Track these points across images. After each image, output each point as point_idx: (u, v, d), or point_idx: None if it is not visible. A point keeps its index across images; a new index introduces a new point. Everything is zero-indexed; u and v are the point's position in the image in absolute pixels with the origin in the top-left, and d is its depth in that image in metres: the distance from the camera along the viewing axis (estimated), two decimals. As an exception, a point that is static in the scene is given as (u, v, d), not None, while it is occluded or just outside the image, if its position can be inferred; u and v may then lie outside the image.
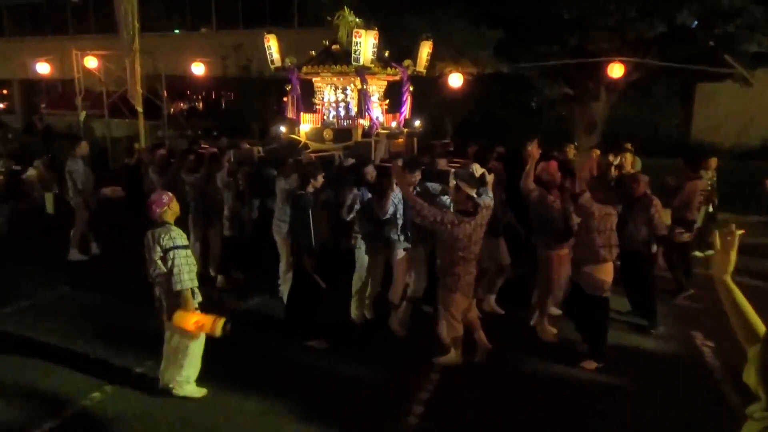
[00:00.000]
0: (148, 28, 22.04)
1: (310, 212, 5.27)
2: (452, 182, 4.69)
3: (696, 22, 9.64)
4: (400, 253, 5.80)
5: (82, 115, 15.59)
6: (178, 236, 4.34)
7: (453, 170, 4.82)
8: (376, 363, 5.21)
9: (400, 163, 5.83)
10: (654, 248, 5.87)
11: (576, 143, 9.09)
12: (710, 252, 8.23)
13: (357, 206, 5.70)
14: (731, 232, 2.16)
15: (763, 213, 11.05)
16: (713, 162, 8.85)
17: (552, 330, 5.77)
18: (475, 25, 10.25)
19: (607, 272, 5.06)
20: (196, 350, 4.52)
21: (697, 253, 8.21)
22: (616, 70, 9.80)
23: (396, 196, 5.65)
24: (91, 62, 13.88)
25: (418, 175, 5.58)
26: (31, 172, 11.69)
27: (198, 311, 4.40)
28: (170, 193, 4.49)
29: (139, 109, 12.47)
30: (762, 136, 17.37)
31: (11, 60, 23.36)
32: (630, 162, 10.15)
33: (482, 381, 4.90)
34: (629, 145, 10.00)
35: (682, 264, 6.96)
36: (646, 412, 4.47)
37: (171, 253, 4.24)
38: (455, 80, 11.03)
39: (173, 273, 4.25)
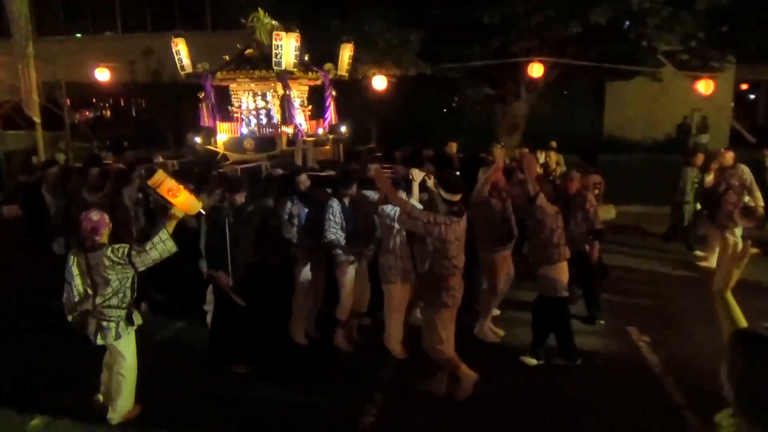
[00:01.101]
0: (47, 33, 20.59)
1: (227, 227, 4.85)
2: (431, 186, 4.40)
3: (627, 22, 9.87)
4: (347, 268, 5.41)
5: (-30, 127, 14.16)
6: (120, 244, 4.02)
7: (440, 174, 4.58)
8: (317, 387, 4.88)
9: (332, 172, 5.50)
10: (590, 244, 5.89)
11: (502, 143, 9.16)
12: (699, 253, 8.46)
13: (296, 219, 5.34)
14: (746, 251, 2.13)
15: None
16: (700, 158, 8.68)
17: (498, 332, 5.73)
18: (398, 26, 10.11)
19: (562, 272, 5.04)
20: (130, 379, 4.20)
21: (698, 253, 8.34)
22: (536, 70, 9.96)
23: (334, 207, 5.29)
24: (-23, 69, 12.56)
25: (354, 187, 5.36)
26: None
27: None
28: (102, 212, 4.10)
29: (36, 119, 11.45)
30: (666, 131, 18.45)
31: None
32: (554, 160, 10.39)
33: (424, 395, 4.67)
34: (554, 144, 10.25)
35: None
36: (588, 412, 4.38)
37: (132, 250, 3.93)
38: (379, 82, 10.83)
39: (151, 247, 3.92)
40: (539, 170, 9.01)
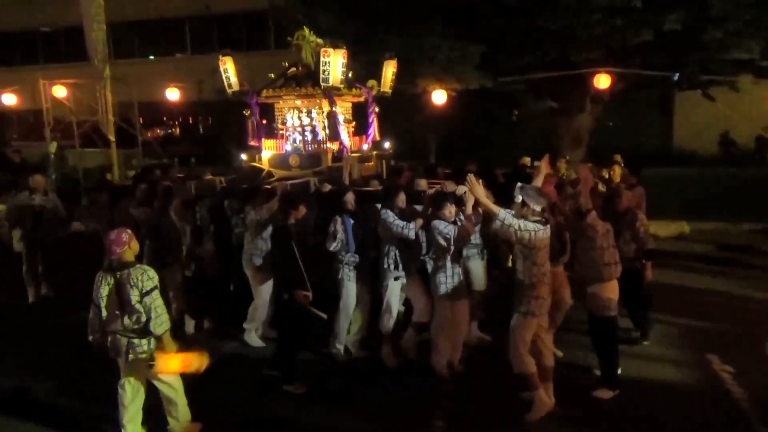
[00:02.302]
0: (122, 55, 21.83)
1: (294, 244, 4.87)
2: (518, 198, 4.44)
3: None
4: (392, 283, 5.42)
5: (53, 146, 15.07)
6: (155, 275, 3.99)
7: (518, 185, 4.59)
8: (367, 409, 4.78)
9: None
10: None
11: (567, 157, 8.87)
12: None
13: (341, 235, 5.35)
14: None
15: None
16: None
17: (557, 352, 5.47)
18: (457, 40, 10.01)
19: (613, 290, 4.88)
20: (178, 388, 4.19)
21: None
22: (602, 81, 9.62)
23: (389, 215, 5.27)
24: (59, 92, 13.43)
25: (403, 198, 5.35)
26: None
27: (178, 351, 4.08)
28: (129, 230, 4.09)
29: (111, 138, 12.07)
30: (743, 144, 17.40)
31: (-20, 92, 22.75)
32: (618, 174, 9.95)
33: (492, 418, 4.49)
34: (618, 158, 9.79)
35: None
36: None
37: (153, 294, 3.89)
38: (439, 97, 10.78)
39: (155, 315, 3.88)
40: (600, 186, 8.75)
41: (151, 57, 23.37)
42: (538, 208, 4.38)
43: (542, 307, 4.43)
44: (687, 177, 12.58)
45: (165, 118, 24.10)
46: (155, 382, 4.15)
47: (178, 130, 24.72)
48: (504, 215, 4.32)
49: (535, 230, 4.28)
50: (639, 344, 5.75)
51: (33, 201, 7.65)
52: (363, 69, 8.94)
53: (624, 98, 13.21)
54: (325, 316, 4.97)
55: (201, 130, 24.12)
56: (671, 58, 10.34)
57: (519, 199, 4.40)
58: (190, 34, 22.68)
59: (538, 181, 5.11)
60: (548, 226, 4.43)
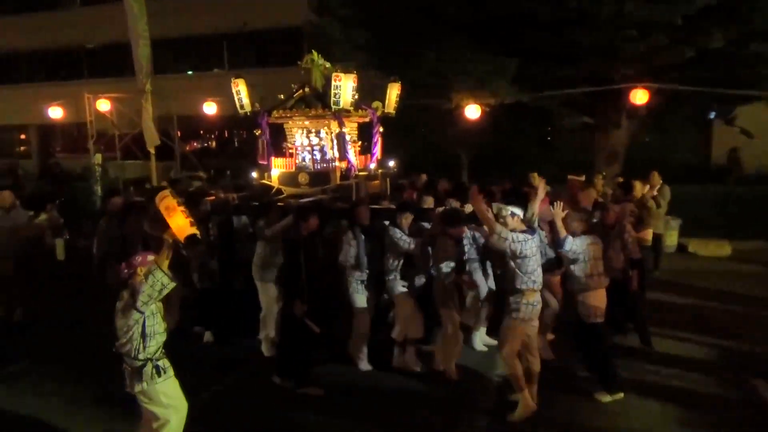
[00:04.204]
0: (161, 71, 22.42)
1: (302, 256, 5.08)
2: (506, 211, 4.76)
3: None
4: (400, 291, 5.66)
5: (98, 158, 15.55)
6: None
7: (494, 205, 4.95)
8: (379, 416, 4.85)
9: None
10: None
11: (604, 173, 8.73)
12: None
13: (354, 248, 5.59)
14: None
15: None
16: None
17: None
18: (492, 54, 10.02)
19: (598, 299, 5.13)
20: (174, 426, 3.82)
21: None
22: (640, 96, 9.47)
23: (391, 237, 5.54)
24: (103, 105, 13.89)
25: (410, 216, 5.62)
26: (42, 217, 11.53)
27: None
28: (151, 257, 3.81)
29: (152, 150, 12.41)
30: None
31: (28, 105, 23.67)
32: (639, 190, 9.69)
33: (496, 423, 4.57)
34: (656, 174, 9.52)
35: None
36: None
37: (141, 290, 3.63)
38: (472, 112, 10.78)
39: (150, 286, 3.60)
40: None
41: (190, 72, 24.02)
42: (522, 215, 4.78)
43: (531, 313, 4.66)
44: (727, 194, 12.26)
45: (202, 132, 24.67)
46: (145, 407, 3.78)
47: (214, 143, 25.26)
48: (500, 229, 4.64)
49: (524, 240, 4.63)
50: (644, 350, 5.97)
51: None
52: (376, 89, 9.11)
53: (662, 113, 12.98)
54: (318, 329, 5.11)
55: (236, 143, 24.59)
56: (711, 72, 10.14)
57: (508, 211, 4.72)
58: (227, 50, 23.24)
59: (534, 207, 5.17)
60: (536, 235, 4.79)
